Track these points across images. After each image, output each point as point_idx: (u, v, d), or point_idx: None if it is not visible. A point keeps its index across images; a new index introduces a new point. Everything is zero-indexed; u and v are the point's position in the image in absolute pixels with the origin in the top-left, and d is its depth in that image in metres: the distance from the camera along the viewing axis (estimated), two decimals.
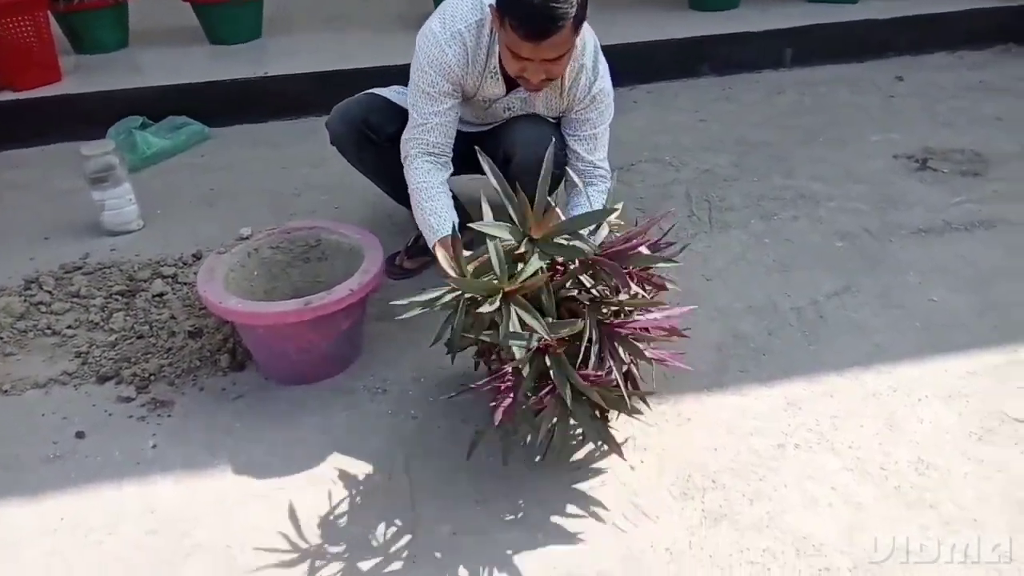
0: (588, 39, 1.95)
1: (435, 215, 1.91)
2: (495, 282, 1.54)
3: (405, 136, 1.98)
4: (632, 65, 3.57)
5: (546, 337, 1.48)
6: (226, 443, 1.78)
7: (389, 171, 2.10)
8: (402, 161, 2.00)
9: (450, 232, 1.65)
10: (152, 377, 1.97)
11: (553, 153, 1.66)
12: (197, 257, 2.44)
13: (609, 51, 3.44)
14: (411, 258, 2.33)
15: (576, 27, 1.71)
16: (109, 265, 2.41)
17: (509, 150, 2.03)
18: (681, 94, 3.50)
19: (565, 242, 1.59)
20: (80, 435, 1.81)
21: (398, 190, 2.12)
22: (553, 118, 2.08)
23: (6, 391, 1.95)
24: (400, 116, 2.05)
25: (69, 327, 2.17)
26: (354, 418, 1.83)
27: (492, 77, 1.96)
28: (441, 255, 1.65)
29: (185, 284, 2.30)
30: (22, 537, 1.57)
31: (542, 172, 1.61)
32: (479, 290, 1.54)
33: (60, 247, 2.55)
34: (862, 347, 1.97)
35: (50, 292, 2.31)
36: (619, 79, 3.55)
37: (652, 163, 2.91)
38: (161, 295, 2.26)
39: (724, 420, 1.77)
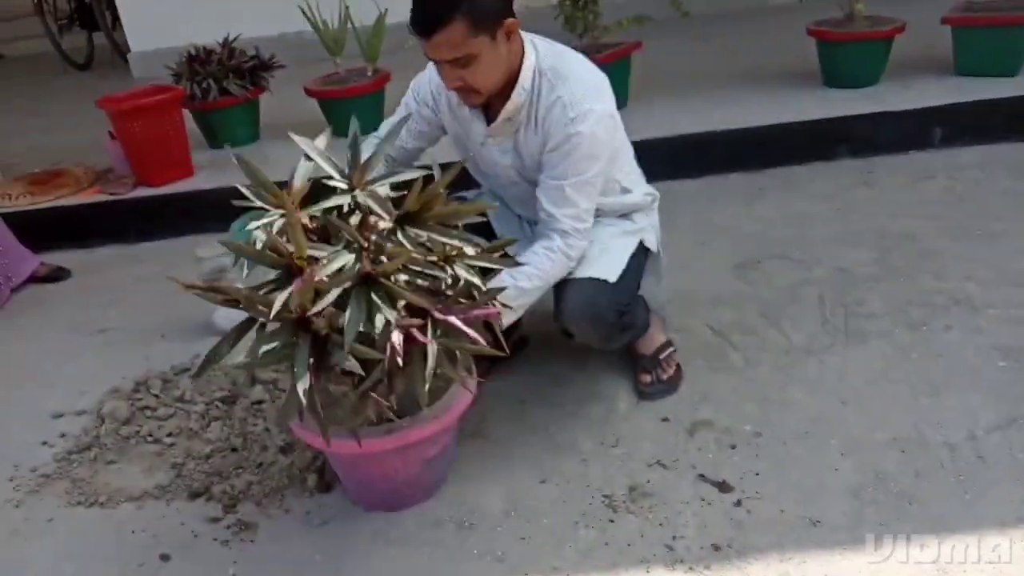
0: (578, 72, 1.80)
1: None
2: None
3: None
4: (758, 148, 3.36)
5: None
6: None
7: None
8: None
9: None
10: (240, 495, 1.91)
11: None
12: None
13: (733, 135, 3.34)
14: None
15: (475, 27, 1.64)
16: (215, 369, 2.42)
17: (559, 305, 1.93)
18: (814, 179, 3.24)
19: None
20: (165, 558, 1.77)
21: None
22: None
23: (103, 504, 1.95)
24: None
25: (169, 435, 2.16)
26: (437, 557, 1.69)
27: (472, 110, 1.89)
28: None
29: (283, 391, 2.27)
30: None
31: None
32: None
33: (173, 346, 2.59)
34: None
35: (156, 396, 2.33)
36: (743, 163, 3.42)
37: (779, 260, 2.67)
38: (259, 403, 2.23)
39: None
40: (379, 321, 1.43)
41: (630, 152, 2.04)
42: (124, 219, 3.50)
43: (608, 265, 1.92)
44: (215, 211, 3.37)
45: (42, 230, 3.47)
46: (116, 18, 6.00)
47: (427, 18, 1.66)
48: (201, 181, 3.58)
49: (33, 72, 6.63)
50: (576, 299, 1.88)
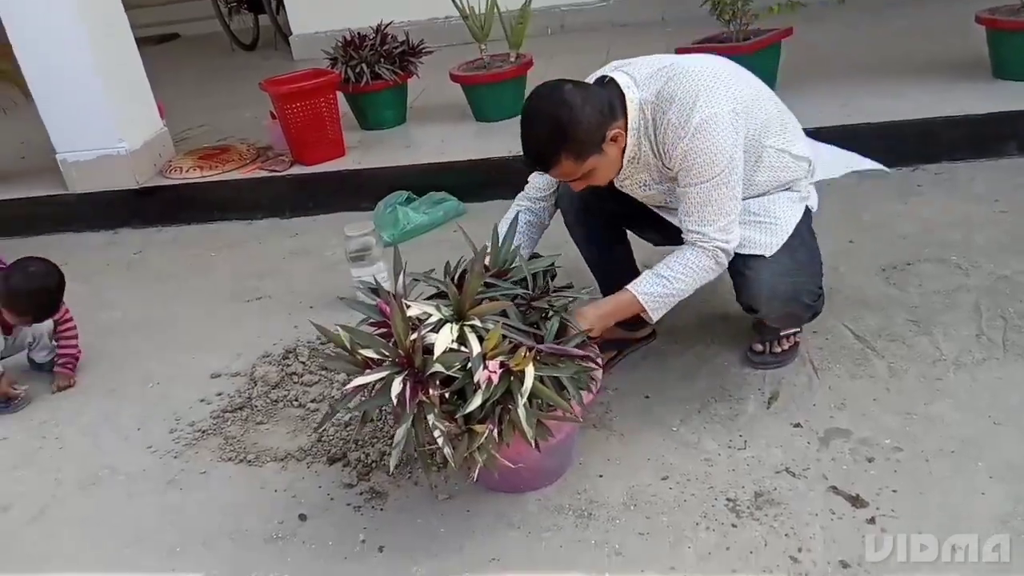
0: (681, 88, 1.79)
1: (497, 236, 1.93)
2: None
3: None
4: (917, 142, 3.15)
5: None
6: (429, 548, 1.76)
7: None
8: None
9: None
10: (374, 464, 2.02)
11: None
12: None
13: (889, 127, 3.15)
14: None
15: (581, 157, 1.76)
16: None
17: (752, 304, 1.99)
18: (978, 178, 3.01)
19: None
20: (303, 518, 1.90)
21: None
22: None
23: (250, 461, 2.11)
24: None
25: (313, 400, 2.31)
26: (556, 544, 1.73)
27: None
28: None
29: None
30: None
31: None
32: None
33: (321, 317, 2.72)
34: None
35: (304, 363, 2.49)
36: (900, 158, 3.21)
37: (935, 263, 2.51)
38: None
39: None
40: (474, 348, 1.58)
41: (780, 120, 1.96)
42: (281, 194, 3.73)
43: (779, 234, 1.92)
44: (364, 190, 3.58)
45: (209, 201, 3.78)
46: (280, 2, 6.36)
47: (536, 160, 1.82)
48: (352, 161, 3.76)
49: (204, 52, 7.12)
50: (774, 281, 1.89)
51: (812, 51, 4.04)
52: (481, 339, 1.61)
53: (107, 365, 2.67)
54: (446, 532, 1.80)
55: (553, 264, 1.96)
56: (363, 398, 1.66)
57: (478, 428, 1.58)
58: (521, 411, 1.58)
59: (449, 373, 1.59)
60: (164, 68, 6.20)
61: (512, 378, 1.59)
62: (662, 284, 1.82)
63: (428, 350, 1.60)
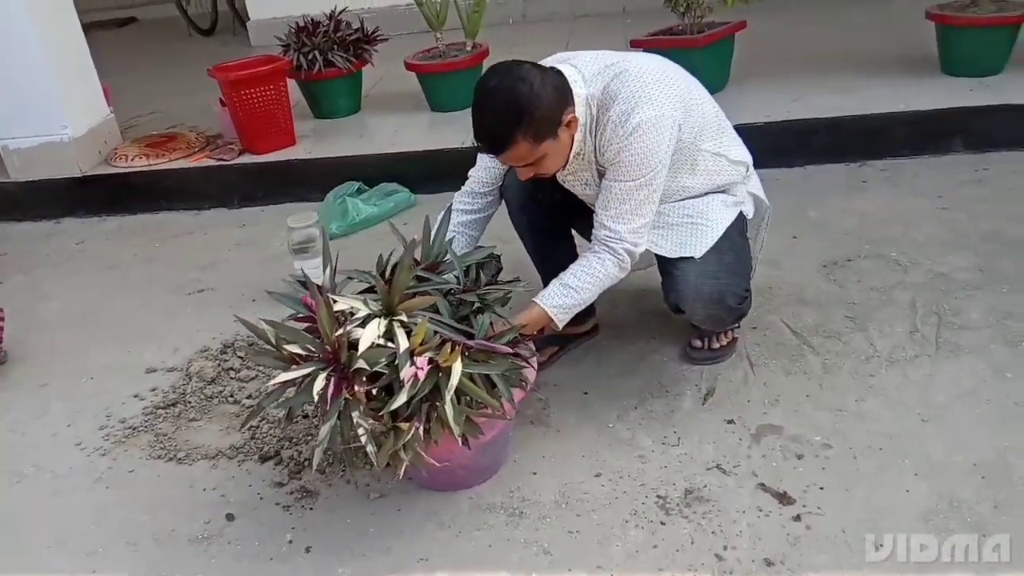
0: (625, 86, 1.77)
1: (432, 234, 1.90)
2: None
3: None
4: (863, 138, 3.18)
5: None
6: (356, 548, 1.74)
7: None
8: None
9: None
10: (306, 463, 1.99)
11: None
12: None
13: (836, 123, 3.16)
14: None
15: (537, 139, 1.71)
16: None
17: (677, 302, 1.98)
18: (921, 174, 3.04)
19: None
20: (230, 517, 1.86)
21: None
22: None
23: (180, 459, 2.07)
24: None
25: (249, 397, 2.27)
26: (483, 544, 1.71)
27: None
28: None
29: None
30: None
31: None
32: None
33: (262, 310, 2.68)
34: None
35: (241, 358, 2.44)
36: (846, 153, 3.23)
37: (874, 259, 2.53)
38: None
39: None
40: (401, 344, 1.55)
41: (717, 124, 1.96)
42: (229, 184, 3.67)
43: (709, 236, 1.91)
44: (315, 180, 3.52)
45: (155, 191, 3.70)
46: None
47: (490, 142, 1.74)
48: (303, 151, 3.70)
49: (161, 36, 6.98)
50: (699, 282, 1.88)
51: (765, 45, 4.05)
52: (410, 334, 1.59)
53: (42, 359, 2.61)
54: (375, 531, 1.78)
55: (492, 257, 1.94)
56: (290, 394, 1.63)
57: (403, 426, 1.56)
58: (448, 408, 1.55)
59: (376, 369, 1.56)
60: (118, 53, 6.09)
61: (440, 375, 1.57)
62: (569, 295, 1.83)
63: (354, 345, 1.57)
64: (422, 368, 1.54)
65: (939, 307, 2.25)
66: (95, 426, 2.23)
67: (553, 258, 2.16)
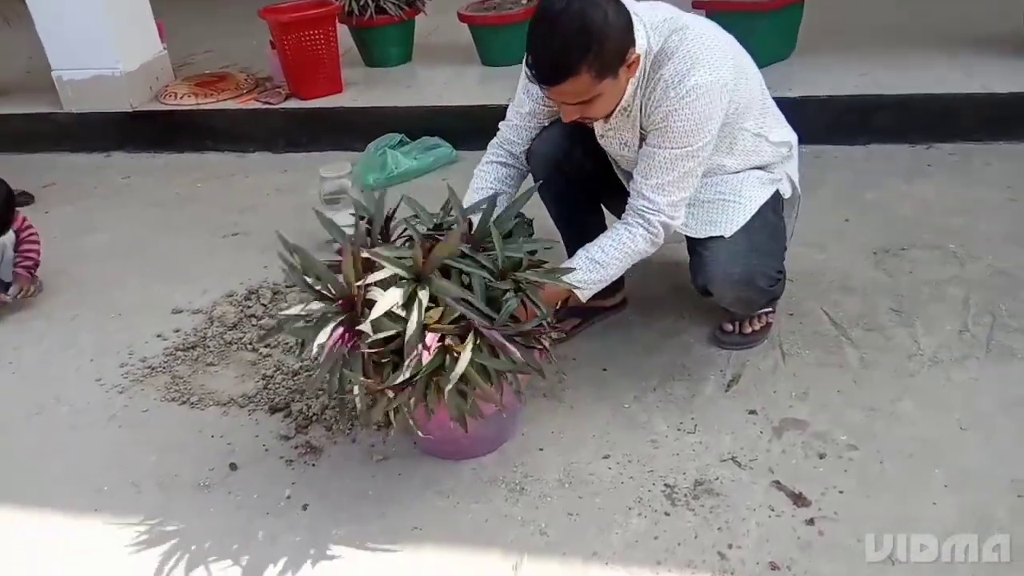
0: (685, 44, 1.62)
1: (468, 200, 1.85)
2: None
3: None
4: (933, 119, 2.97)
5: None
6: (353, 510, 1.71)
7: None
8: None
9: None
10: (314, 417, 1.97)
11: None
12: None
13: (904, 101, 2.96)
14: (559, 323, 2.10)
15: (601, 74, 1.55)
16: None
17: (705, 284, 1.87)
18: (993, 162, 2.82)
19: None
20: (233, 467, 1.86)
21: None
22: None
23: (193, 404, 2.07)
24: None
25: (267, 346, 2.26)
26: (480, 518, 1.67)
27: None
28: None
29: None
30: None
31: None
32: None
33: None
34: None
35: (265, 305, 2.43)
36: (913, 135, 3.03)
37: (930, 250, 2.36)
38: None
39: None
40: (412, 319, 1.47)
41: (762, 103, 1.83)
42: (274, 128, 3.64)
43: (741, 214, 1.80)
44: (359, 129, 3.47)
45: (202, 130, 3.70)
46: None
47: (552, 70, 1.55)
48: (349, 98, 3.64)
49: None
50: (728, 263, 1.78)
51: (835, 14, 3.80)
52: (434, 305, 1.53)
53: (76, 291, 2.64)
54: (374, 494, 1.75)
55: (523, 219, 1.86)
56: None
57: (390, 393, 1.50)
58: (447, 392, 1.50)
59: (385, 335, 1.51)
60: None
61: (448, 356, 1.51)
62: (597, 271, 1.73)
63: (370, 304, 1.52)
64: (429, 347, 1.48)
65: (995, 307, 2.09)
66: (116, 363, 2.24)
67: (581, 232, 2.06)
